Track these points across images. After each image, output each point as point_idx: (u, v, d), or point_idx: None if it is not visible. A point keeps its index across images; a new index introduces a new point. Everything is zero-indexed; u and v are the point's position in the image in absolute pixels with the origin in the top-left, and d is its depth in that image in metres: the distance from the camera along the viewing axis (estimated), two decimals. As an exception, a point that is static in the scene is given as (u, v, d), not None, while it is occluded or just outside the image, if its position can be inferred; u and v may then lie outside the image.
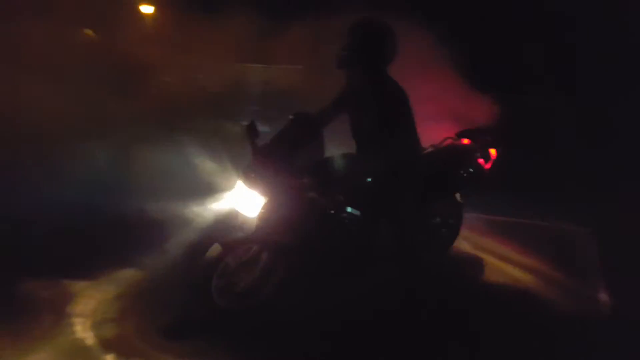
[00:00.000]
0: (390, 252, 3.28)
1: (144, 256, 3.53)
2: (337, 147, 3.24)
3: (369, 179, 3.13)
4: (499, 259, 4.02)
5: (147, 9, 16.77)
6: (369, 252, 3.24)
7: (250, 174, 2.94)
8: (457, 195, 3.80)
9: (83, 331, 2.78)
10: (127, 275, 3.38)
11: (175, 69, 11.47)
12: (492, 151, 3.74)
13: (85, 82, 6.34)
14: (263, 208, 2.93)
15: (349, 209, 3.08)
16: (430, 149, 3.59)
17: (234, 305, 2.97)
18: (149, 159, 5.16)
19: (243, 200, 2.96)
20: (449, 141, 3.71)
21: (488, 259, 4.02)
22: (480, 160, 3.70)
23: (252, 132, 2.96)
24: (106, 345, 2.68)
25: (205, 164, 3.24)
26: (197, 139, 5.47)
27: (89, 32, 14.90)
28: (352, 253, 3.18)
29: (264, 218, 2.94)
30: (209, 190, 3.81)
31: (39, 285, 3.17)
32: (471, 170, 3.66)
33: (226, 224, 3.18)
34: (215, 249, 2.90)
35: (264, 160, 2.92)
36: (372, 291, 3.18)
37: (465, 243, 4.20)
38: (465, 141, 3.74)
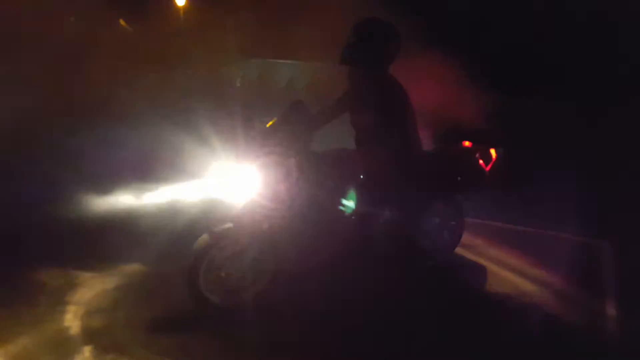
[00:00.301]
0: (387, 252, 3.22)
1: (149, 248, 3.57)
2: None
3: (361, 176, 3.10)
4: (504, 267, 3.84)
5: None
6: (366, 249, 3.18)
7: (244, 159, 2.95)
8: (458, 198, 3.72)
9: (72, 320, 2.79)
10: (132, 267, 3.41)
11: (200, 62, 11.66)
12: (492, 152, 3.67)
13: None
14: (252, 193, 2.92)
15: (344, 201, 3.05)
16: (430, 151, 3.53)
17: (224, 301, 2.92)
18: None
19: (233, 186, 2.95)
20: (449, 143, 3.68)
21: (492, 267, 3.85)
22: (481, 162, 3.63)
23: (250, 126, 3.02)
24: (89, 335, 2.65)
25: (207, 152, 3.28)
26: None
27: (123, 22, 15.34)
28: (347, 245, 3.11)
29: (254, 203, 2.92)
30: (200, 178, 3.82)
31: (47, 274, 3.23)
32: (471, 171, 3.60)
33: (215, 212, 3.14)
34: (203, 240, 2.86)
35: (259, 145, 2.96)
36: (367, 292, 3.13)
37: (468, 251, 4.06)
38: (466, 143, 3.67)
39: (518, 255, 4.04)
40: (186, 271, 2.84)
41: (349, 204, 3.07)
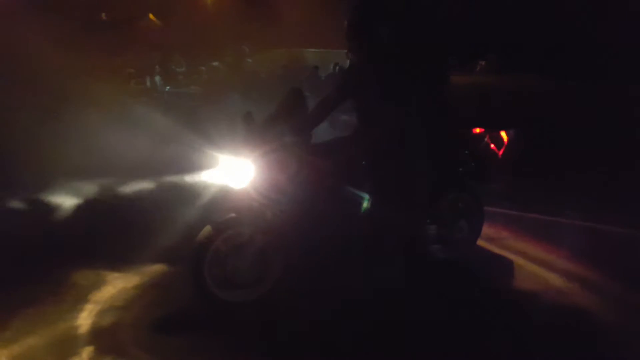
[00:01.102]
0: (397, 242, 3.10)
1: (167, 246, 3.56)
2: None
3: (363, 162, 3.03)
4: (532, 261, 3.63)
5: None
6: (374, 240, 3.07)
7: (243, 148, 2.90)
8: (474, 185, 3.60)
9: (86, 317, 2.83)
10: (153, 267, 3.42)
11: (228, 53, 11.67)
12: (504, 135, 3.53)
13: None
14: (254, 179, 2.87)
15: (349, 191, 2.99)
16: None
17: (230, 296, 2.89)
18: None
19: (234, 174, 2.91)
20: (460, 129, 3.55)
21: (518, 260, 3.65)
22: (493, 146, 3.49)
23: (248, 120, 2.96)
24: (94, 335, 2.69)
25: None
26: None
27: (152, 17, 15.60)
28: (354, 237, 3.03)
29: (255, 189, 2.88)
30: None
31: (79, 274, 3.29)
32: (483, 156, 3.49)
33: (219, 203, 3.11)
34: (206, 231, 2.84)
35: (258, 134, 2.91)
36: (378, 287, 3.01)
37: (492, 243, 3.88)
38: (477, 130, 3.54)
39: (548, 247, 3.81)
40: (190, 266, 2.83)
41: (355, 194, 2.99)
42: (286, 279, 2.99)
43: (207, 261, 2.82)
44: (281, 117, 2.93)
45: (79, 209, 4.21)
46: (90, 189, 4.54)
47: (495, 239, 4.01)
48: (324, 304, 2.94)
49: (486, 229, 4.04)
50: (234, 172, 2.91)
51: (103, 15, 16.19)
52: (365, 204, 3.02)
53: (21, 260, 3.41)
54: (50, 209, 4.19)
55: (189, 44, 12.48)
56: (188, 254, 2.90)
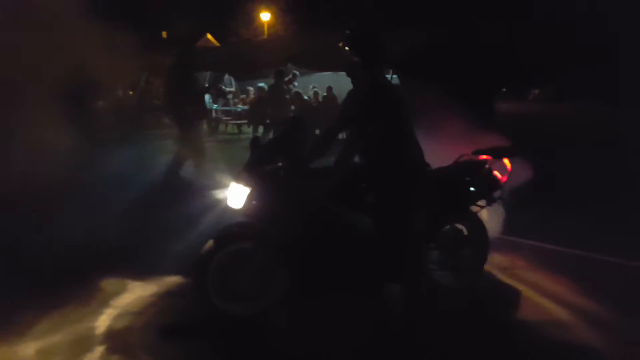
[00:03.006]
0: (397, 267, 3.13)
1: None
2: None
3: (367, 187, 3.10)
4: (539, 292, 3.61)
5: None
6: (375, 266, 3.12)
7: (244, 172, 3.10)
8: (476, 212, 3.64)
9: (104, 320, 3.11)
10: (171, 278, 3.68)
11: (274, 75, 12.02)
12: (507, 162, 3.58)
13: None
14: (252, 201, 3.04)
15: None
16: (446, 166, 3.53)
17: (231, 309, 3.06)
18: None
19: (233, 195, 3.10)
20: (464, 158, 3.64)
21: (527, 292, 3.63)
22: (495, 173, 3.55)
23: (255, 145, 3.18)
24: (107, 336, 2.95)
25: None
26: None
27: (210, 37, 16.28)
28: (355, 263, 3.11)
29: (255, 212, 3.05)
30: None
31: (106, 281, 3.59)
32: (486, 183, 3.54)
33: (223, 220, 3.31)
34: (208, 245, 3.03)
35: (259, 159, 3.11)
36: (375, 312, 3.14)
37: (502, 273, 3.88)
38: (483, 157, 3.60)
39: (562, 280, 3.77)
40: (194, 278, 3.04)
41: (355, 217, 3.09)
42: (287, 299, 3.14)
43: (210, 274, 3.02)
44: (281, 143, 3.12)
45: (109, 221, 4.56)
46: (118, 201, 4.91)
47: (508, 268, 4.01)
48: (320, 329, 3.05)
49: (501, 258, 4.05)
50: (234, 194, 3.11)
51: (164, 33, 17.18)
52: (365, 228, 3.08)
53: (61, 270, 3.67)
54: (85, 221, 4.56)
55: (241, 65, 12.98)
56: (193, 266, 3.13)
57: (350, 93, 3.15)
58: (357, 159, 3.09)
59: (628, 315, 3.25)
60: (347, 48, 2.97)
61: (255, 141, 3.18)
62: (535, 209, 5.00)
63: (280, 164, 3.09)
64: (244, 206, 3.06)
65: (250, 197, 3.05)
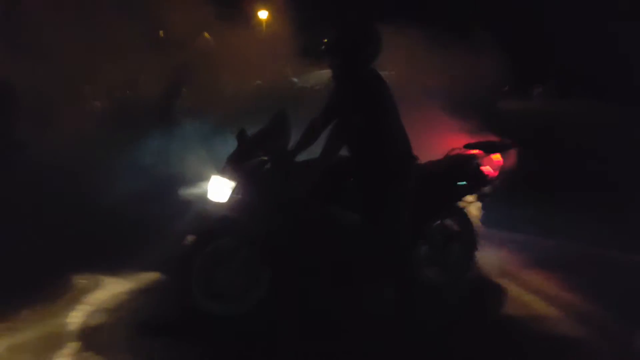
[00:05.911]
0: (386, 263, 3.06)
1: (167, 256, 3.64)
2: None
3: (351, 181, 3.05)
4: (532, 290, 3.52)
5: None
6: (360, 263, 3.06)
7: (228, 165, 3.02)
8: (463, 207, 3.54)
9: (77, 317, 3.01)
10: (148, 274, 3.56)
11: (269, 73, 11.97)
12: (497, 157, 3.50)
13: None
14: (234, 195, 2.96)
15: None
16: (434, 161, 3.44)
17: (214, 308, 2.97)
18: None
19: (216, 189, 3.01)
20: (454, 152, 3.58)
21: (517, 288, 3.55)
22: (484, 168, 3.47)
23: (241, 138, 3.07)
24: (81, 333, 2.86)
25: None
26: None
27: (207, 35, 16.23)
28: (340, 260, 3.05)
29: (239, 206, 2.97)
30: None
31: (80, 278, 3.47)
32: (475, 177, 3.46)
33: (204, 216, 3.18)
34: (189, 241, 2.94)
35: (243, 153, 3.03)
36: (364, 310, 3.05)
37: (490, 267, 3.76)
38: (474, 152, 3.50)
39: (552, 276, 3.68)
40: (176, 274, 2.96)
41: (342, 213, 3.01)
42: (272, 298, 3.06)
43: (193, 271, 2.93)
44: (266, 136, 3.02)
45: (84, 216, 4.45)
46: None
47: (497, 263, 3.87)
48: (307, 328, 2.95)
49: (491, 253, 3.94)
50: (217, 187, 3.01)
51: (161, 33, 17.07)
52: (352, 223, 3.02)
53: (34, 266, 3.54)
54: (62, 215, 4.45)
55: (236, 63, 12.87)
56: (174, 263, 3.03)
57: (333, 84, 3.07)
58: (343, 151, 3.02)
59: (620, 310, 3.17)
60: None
61: (241, 134, 3.06)
62: (527, 203, 4.97)
63: (265, 157, 3.00)
64: (228, 200, 2.97)
65: (234, 191, 2.95)
